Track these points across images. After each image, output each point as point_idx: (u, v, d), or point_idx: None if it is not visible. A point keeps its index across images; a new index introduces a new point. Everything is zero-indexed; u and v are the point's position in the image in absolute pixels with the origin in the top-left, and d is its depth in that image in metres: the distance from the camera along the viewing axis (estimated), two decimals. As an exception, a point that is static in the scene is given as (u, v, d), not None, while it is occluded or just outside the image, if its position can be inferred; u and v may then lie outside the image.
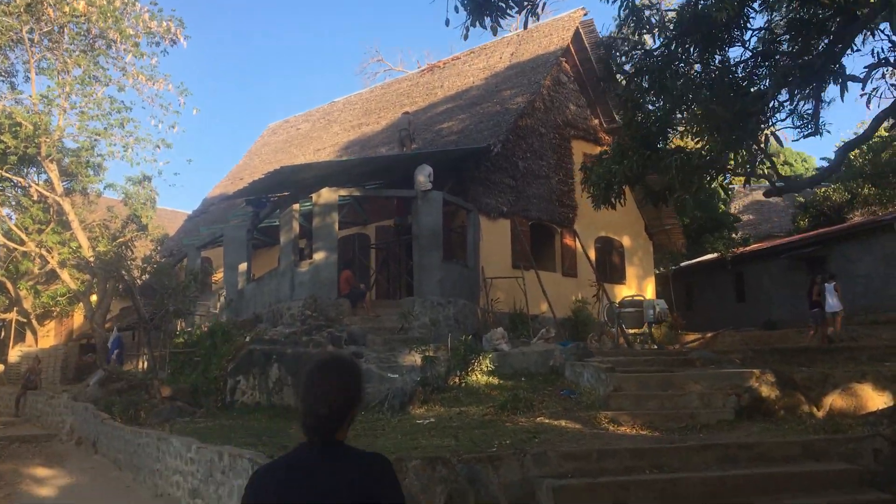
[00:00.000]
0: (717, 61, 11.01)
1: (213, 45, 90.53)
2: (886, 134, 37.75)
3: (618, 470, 6.79)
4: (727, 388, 9.96)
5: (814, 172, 55.24)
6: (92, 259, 20.58)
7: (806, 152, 62.88)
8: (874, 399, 9.55)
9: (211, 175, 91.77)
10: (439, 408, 11.65)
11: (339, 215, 19.86)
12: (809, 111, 11.26)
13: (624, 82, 10.82)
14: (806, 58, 10.64)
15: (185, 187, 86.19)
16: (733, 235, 31.14)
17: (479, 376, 13.14)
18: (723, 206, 32.71)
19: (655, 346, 16.96)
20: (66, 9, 18.80)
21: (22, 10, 18.92)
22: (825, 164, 50.83)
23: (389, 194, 17.61)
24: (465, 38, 9.45)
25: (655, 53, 10.87)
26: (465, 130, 19.23)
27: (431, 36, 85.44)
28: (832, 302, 16.27)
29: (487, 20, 9.31)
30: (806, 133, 11.08)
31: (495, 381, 12.93)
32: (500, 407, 10.65)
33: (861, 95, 10.21)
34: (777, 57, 11.20)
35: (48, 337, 31.52)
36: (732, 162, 9.38)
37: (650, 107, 10.58)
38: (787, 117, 11.39)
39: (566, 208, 20.58)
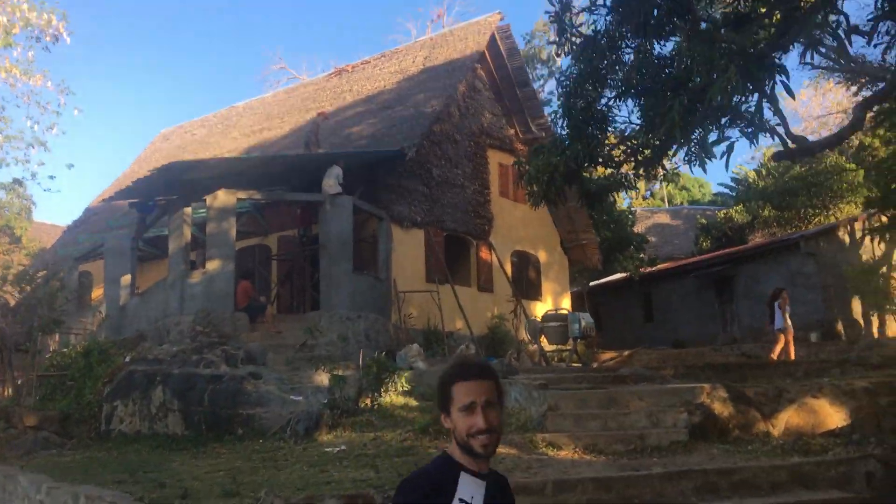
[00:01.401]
0: (655, 52, 10.22)
1: (104, 48, 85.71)
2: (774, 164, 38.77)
3: (580, 504, 5.60)
4: (677, 404, 8.96)
5: (712, 197, 56.92)
6: None
7: (703, 178, 64.69)
8: (832, 416, 8.73)
9: (98, 185, 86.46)
10: (350, 433, 10.23)
11: (238, 224, 18.12)
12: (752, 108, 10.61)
13: (558, 71, 9.81)
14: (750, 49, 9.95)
15: (68, 198, 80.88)
16: (641, 255, 31.04)
17: (394, 397, 11.79)
18: (629, 225, 32.67)
19: (579, 364, 16.01)
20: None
21: None
22: (722, 189, 52.37)
23: (294, 198, 16.09)
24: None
25: (594, 37, 9.98)
26: (376, 135, 17.97)
27: (339, 46, 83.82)
28: (777, 319, 15.72)
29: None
30: (752, 134, 10.37)
31: (413, 402, 11.62)
32: (420, 430, 9.34)
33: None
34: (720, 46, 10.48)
35: None
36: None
37: (589, 97, 9.58)
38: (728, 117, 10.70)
39: (482, 220, 19.55)
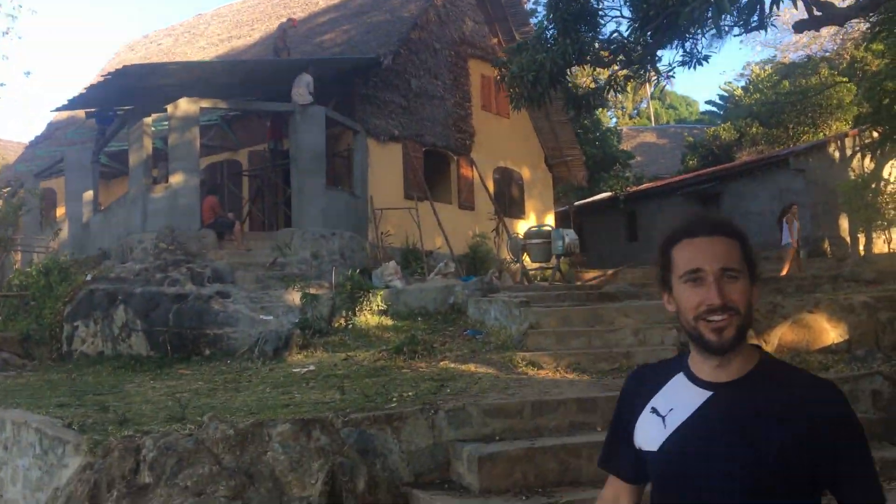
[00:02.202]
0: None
1: None
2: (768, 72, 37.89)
3: (562, 428, 5.08)
4: (664, 321, 8.45)
5: (699, 116, 55.92)
6: None
7: (691, 97, 63.72)
8: (828, 332, 8.26)
9: (63, 99, 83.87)
10: (322, 354, 9.73)
11: (207, 138, 17.28)
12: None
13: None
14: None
15: (33, 114, 78.50)
16: (627, 174, 30.46)
17: (368, 317, 11.25)
18: (615, 144, 31.98)
19: (563, 282, 15.48)
20: None
21: None
22: (710, 107, 51.50)
23: (261, 108, 15.17)
24: None
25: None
26: (350, 41, 16.93)
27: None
28: (784, 234, 15.20)
29: None
30: (750, 27, 9.57)
31: (388, 321, 11.09)
32: (395, 350, 8.82)
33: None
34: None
35: None
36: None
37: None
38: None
39: (463, 134, 18.70)
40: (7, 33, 19.39)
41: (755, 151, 32.10)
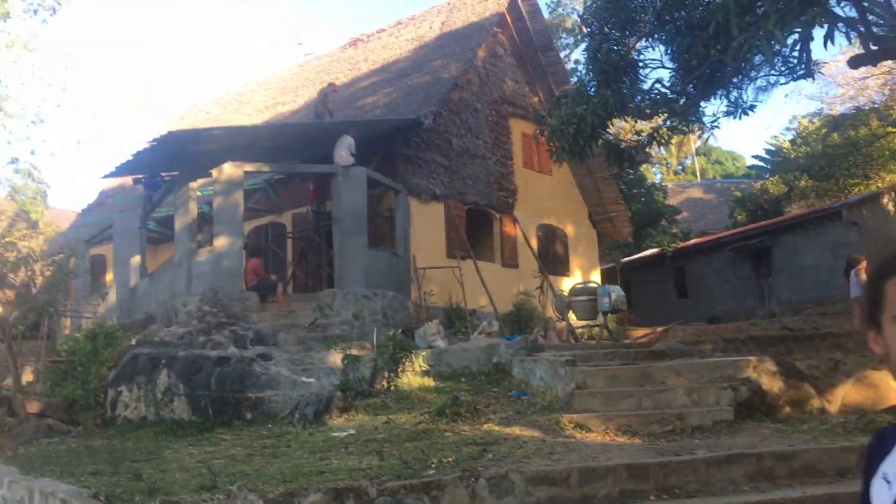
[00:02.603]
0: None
1: (114, 27, 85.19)
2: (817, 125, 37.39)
3: (612, 497, 4.75)
4: (718, 380, 8.05)
5: (746, 171, 55.18)
6: None
7: (737, 151, 63.07)
8: (895, 390, 7.77)
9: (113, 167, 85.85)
10: (363, 416, 9.48)
11: (252, 202, 17.50)
12: (795, 54, 9.56)
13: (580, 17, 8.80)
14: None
15: (85, 182, 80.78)
16: (674, 230, 29.98)
17: (411, 378, 11.00)
18: (661, 199, 31.61)
19: (610, 340, 15.07)
20: (-83, -42, 15.90)
21: None
22: (757, 162, 50.85)
23: (304, 170, 15.31)
24: None
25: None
26: (391, 104, 17.09)
27: (359, 22, 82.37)
28: (853, 287, 14.36)
29: None
30: (797, 75, 9.33)
31: (431, 382, 10.81)
32: (437, 413, 8.56)
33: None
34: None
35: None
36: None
37: (616, 39, 8.61)
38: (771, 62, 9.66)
39: (505, 192, 18.61)
40: (59, 106, 19.99)
41: (805, 205, 31.42)
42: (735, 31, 6.18)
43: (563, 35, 34.45)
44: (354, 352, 11.61)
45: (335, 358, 11.52)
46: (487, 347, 11.65)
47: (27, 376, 16.84)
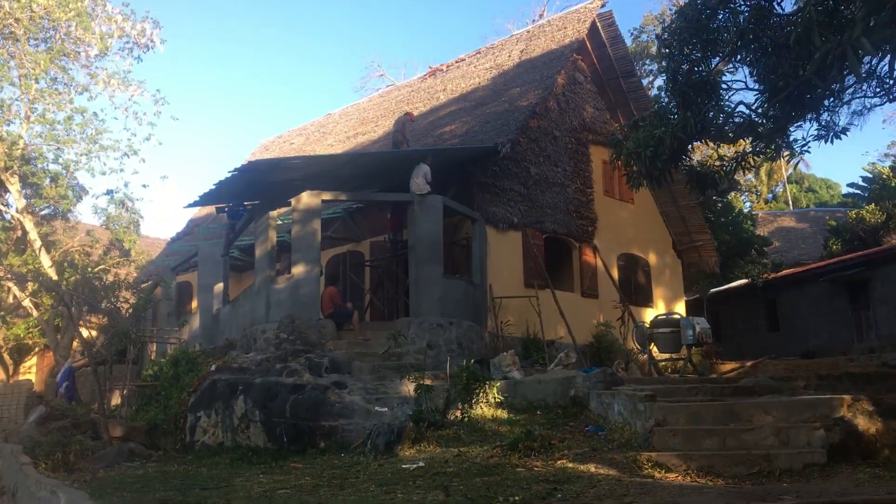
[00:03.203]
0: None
1: (200, 60, 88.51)
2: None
3: (689, 544, 4.40)
4: (811, 419, 7.53)
5: (841, 199, 52.87)
6: (59, 283, 18.44)
7: (831, 179, 60.63)
8: None
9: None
10: (434, 448, 9.31)
11: (331, 230, 17.68)
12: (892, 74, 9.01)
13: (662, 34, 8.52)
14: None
15: (173, 211, 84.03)
16: (765, 260, 28.79)
17: (485, 409, 10.77)
18: (750, 228, 30.52)
19: (695, 374, 14.47)
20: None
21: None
22: (853, 190, 48.73)
23: (381, 198, 15.35)
24: None
25: (698, 1, 8.65)
26: (469, 132, 17.03)
27: (438, 52, 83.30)
28: None
29: None
30: (894, 96, 8.79)
31: (504, 414, 10.56)
32: (509, 447, 8.31)
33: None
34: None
35: (30, 373, 29.21)
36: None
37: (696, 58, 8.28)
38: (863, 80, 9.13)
39: (585, 221, 18.25)
40: (149, 139, 20.75)
41: (905, 234, 29.85)
42: (817, 42, 5.80)
43: (647, 62, 33.90)
44: (428, 381, 11.46)
45: (409, 387, 11.40)
46: (564, 380, 11.32)
47: (115, 400, 17.39)
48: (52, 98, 18.60)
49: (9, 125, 18.54)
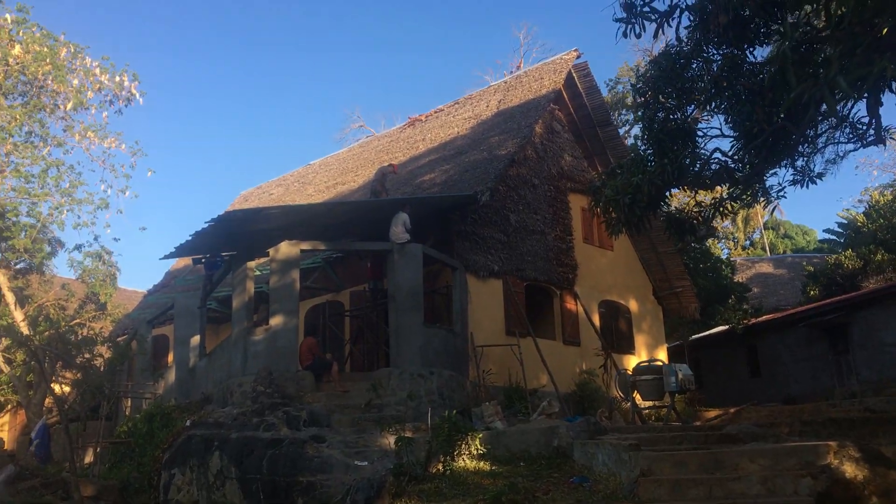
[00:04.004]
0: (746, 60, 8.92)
1: (178, 108, 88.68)
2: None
3: None
4: (796, 467, 7.43)
5: (817, 245, 53.50)
6: (30, 338, 18.06)
7: (807, 225, 61.45)
8: None
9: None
10: (416, 503, 9.05)
11: (310, 280, 17.53)
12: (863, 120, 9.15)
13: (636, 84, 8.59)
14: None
15: (149, 263, 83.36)
16: (745, 306, 28.92)
17: (467, 461, 10.53)
18: (729, 274, 30.72)
19: (679, 422, 14.33)
20: (-1, 53, 16.79)
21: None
22: (829, 236, 49.36)
23: (359, 248, 15.28)
24: (625, 35, 7.33)
25: (672, 51, 8.77)
26: (448, 181, 17.07)
27: (417, 103, 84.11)
28: None
29: (636, 27, 7.26)
30: (867, 142, 8.90)
31: (487, 466, 10.33)
32: (492, 500, 8.12)
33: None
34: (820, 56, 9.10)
35: (2, 432, 28.47)
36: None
37: (670, 113, 8.36)
38: (838, 125, 9.25)
39: (565, 268, 18.24)
40: (125, 192, 20.53)
41: (882, 279, 30.13)
42: (793, 81, 5.85)
43: (624, 112, 34.42)
44: (409, 434, 11.25)
45: (389, 440, 11.19)
46: (547, 430, 11.14)
47: (88, 458, 16.92)
48: (27, 151, 18.43)
49: (-19, 178, 18.29)
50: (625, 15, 6.98)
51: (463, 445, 10.77)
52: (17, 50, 16.88)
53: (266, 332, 13.45)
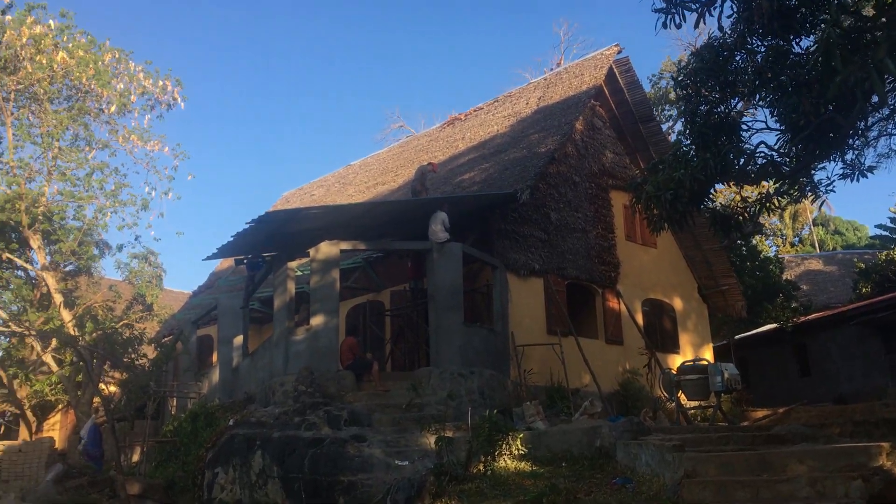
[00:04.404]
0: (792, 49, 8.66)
1: (219, 111, 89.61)
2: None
3: None
4: (847, 469, 7.18)
5: (869, 241, 52.05)
6: (80, 339, 18.46)
7: (857, 221, 59.88)
8: None
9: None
10: (456, 503, 8.98)
11: (351, 280, 17.59)
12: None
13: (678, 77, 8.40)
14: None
15: (195, 264, 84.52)
16: (793, 304, 28.22)
17: (508, 461, 10.44)
18: (776, 272, 30.03)
19: (725, 422, 14.03)
20: (44, 60, 17.16)
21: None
22: (881, 231, 48.04)
23: (399, 247, 15.25)
24: (665, 25, 7.18)
25: (715, 43, 8.55)
26: (488, 179, 16.97)
27: (457, 102, 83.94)
28: None
29: (676, 17, 7.13)
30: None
31: (528, 467, 10.22)
32: (533, 501, 8.01)
33: None
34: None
35: (53, 431, 29.13)
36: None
37: (713, 105, 8.16)
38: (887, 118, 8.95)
39: (608, 266, 18.01)
40: (167, 194, 20.86)
41: (938, 276, 29.25)
42: (839, 65, 5.63)
43: (667, 107, 33.91)
44: (449, 433, 11.20)
45: (429, 439, 11.15)
46: (590, 430, 10.97)
47: (135, 456, 17.21)
48: (72, 155, 18.85)
49: (30, 183, 18.75)
50: (664, 5, 6.81)
51: (504, 445, 10.68)
52: (61, 56, 17.26)
53: (307, 332, 13.51)
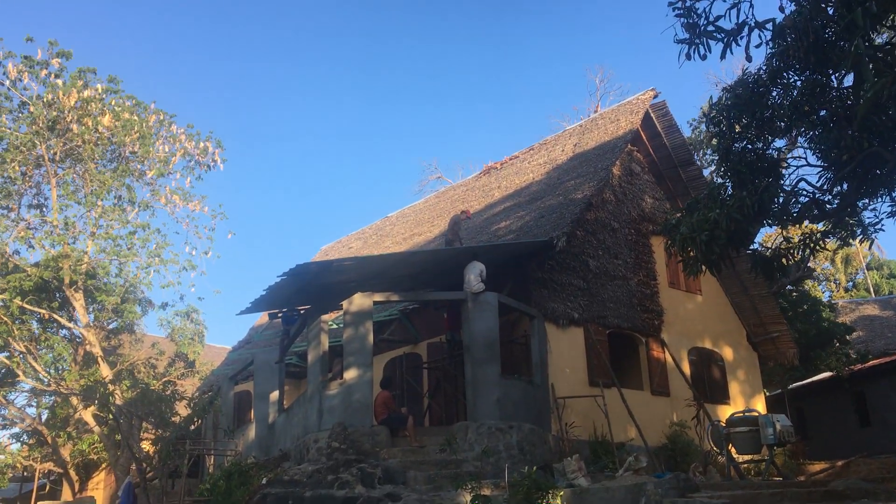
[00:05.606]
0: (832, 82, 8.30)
1: (257, 167, 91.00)
2: None
3: None
4: (914, 530, 6.58)
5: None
6: (111, 397, 18.49)
7: (917, 262, 57.87)
8: None
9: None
10: (492, 566, 8.52)
11: (387, 333, 17.35)
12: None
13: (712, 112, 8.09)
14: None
15: (235, 320, 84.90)
16: (850, 351, 27.07)
17: (547, 521, 9.94)
18: (829, 317, 28.93)
19: (779, 477, 13.28)
20: (90, 122, 17.56)
21: (45, 127, 17.82)
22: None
23: (433, 297, 14.96)
24: (689, 57, 7.01)
25: (749, 79, 8.24)
26: (524, 227, 16.69)
27: (493, 152, 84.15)
28: None
29: (701, 47, 6.96)
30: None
31: (569, 527, 9.71)
32: (572, 564, 7.50)
33: None
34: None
35: (97, 490, 29.13)
36: None
37: (749, 142, 7.82)
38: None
39: (651, 314, 17.47)
40: (207, 253, 21.06)
41: None
42: (869, 77, 5.27)
43: (709, 152, 33.39)
44: (486, 491, 10.73)
45: (466, 498, 10.68)
46: (633, 487, 10.40)
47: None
48: (115, 215, 19.12)
49: (74, 241, 19.04)
50: (687, 35, 6.55)
51: (544, 504, 10.19)
52: (107, 119, 17.63)
53: (340, 387, 13.22)
